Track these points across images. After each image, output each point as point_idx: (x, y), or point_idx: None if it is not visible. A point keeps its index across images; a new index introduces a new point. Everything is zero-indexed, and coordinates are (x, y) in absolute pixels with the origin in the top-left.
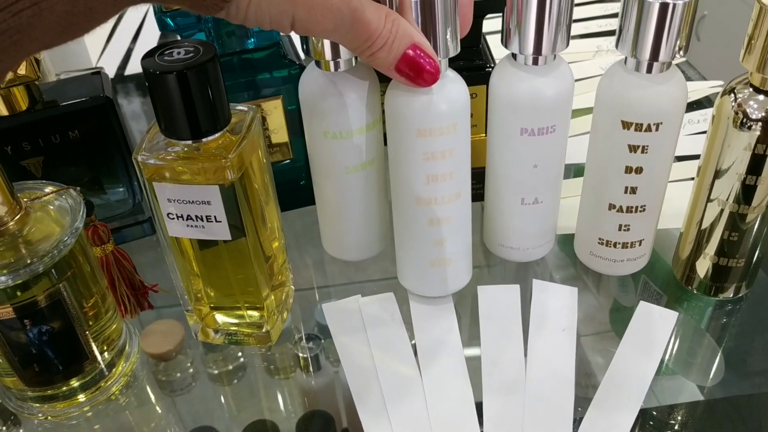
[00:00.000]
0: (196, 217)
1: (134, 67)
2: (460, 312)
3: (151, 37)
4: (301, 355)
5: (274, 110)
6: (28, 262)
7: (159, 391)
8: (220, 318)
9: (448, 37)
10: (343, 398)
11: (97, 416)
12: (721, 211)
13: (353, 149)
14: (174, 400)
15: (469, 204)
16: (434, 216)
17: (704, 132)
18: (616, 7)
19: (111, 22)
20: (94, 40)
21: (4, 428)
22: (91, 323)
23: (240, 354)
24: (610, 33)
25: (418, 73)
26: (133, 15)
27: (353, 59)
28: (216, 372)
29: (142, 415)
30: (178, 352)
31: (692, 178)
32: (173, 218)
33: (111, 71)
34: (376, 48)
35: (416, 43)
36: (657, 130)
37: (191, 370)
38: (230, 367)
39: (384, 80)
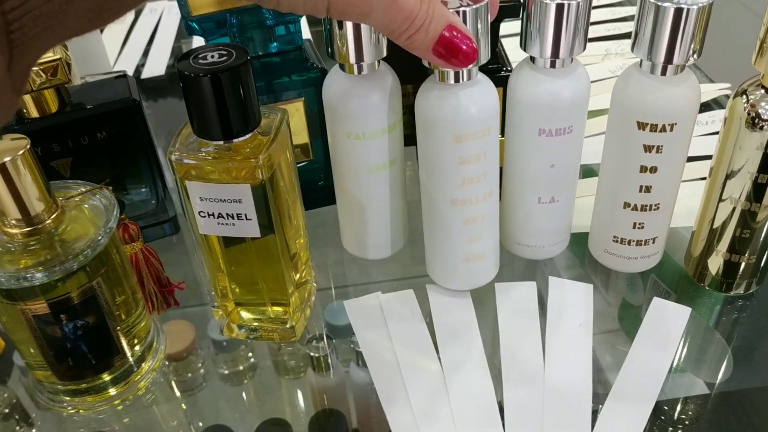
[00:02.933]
0: (227, 215)
1: (150, 70)
2: (477, 306)
3: (166, 41)
4: (312, 354)
5: (296, 112)
6: (63, 260)
7: (170, 393)
8: (245, 314)
9: (481, 45)
10: (354, 397)
11: (118, 412)
12: (733, 209)
13: (375, 150)
14: (186, 400)
15: (498, 200)
16: (469, 216)
17: (713, 133)
18: (623, 12)
19: (128, 22)
20: (109, 44)
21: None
22: (122, 318)
23: (251, 354)
24: (618, 37)
25: (455, 54)
26: (147, 20)
27: (376, 63)
28: (227, 372)
29: (165, 412)
30: (189, 352)
31: (702, 178)
32: (204, 216)
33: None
34: (413, 30)
35: (452, 24)
36: (671, 130)
37: (202, 370)
38: (241, 368)
39: (405, 82)
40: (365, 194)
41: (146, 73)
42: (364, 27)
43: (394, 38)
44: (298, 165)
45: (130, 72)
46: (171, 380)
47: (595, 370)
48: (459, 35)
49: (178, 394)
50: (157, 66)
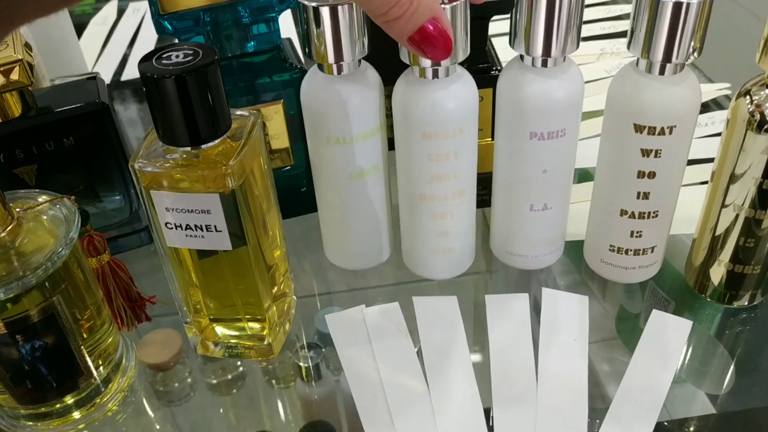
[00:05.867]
0: (196, 226)
1: (131, 72)
2: (467, 320)
3: (147, 42)
4: (302, 364)
5: (275, 115)
6: (21, 274)
7: (157, 403)
8: (220, 330)
9: (459, 42)
10: (345, 408)
11: None
12: (737, 216)
13: (357, 155)
14: (172, 411)
15: (473, 198)
16: (437, 211)
17: (713, 135)
18: (618, 10)
19: (109, 23)
20: (90, 45)
21: None
22: (86, 336)
23: (239, 363)
24: (614, 35)
25: (431, 48)
26: (130, 20)
27: (357, 62)
28: (215, 382)
29: (140, 430)
30: (176, 362)
31: (702, 183)
32: (171, 228)
33: (107, 77)
34: (392, 16)
35: (436, 18)
36: (670, 133)
37: (190, 380)
38: (229, 377)
39: (388, 83)
40: (347, 202)
41: (127, 75)
42: (342, 24)
43: (373, 17)
44: (279, 170)
45: (111, 73)
46: (153, 391)
47: (592, 384)
48: (440, 31)
49: (151, 414)
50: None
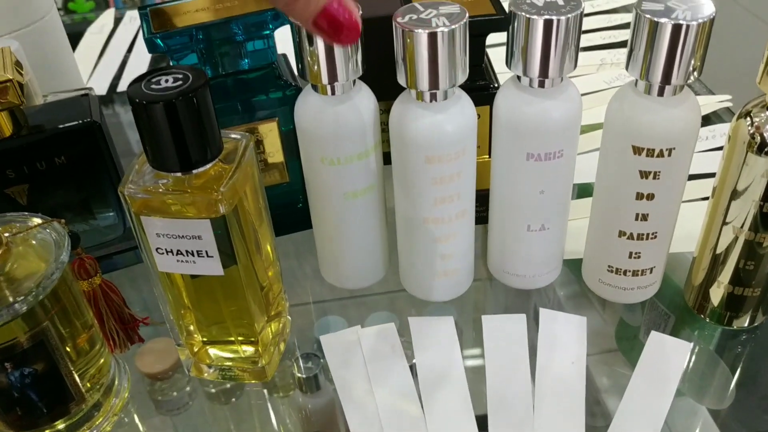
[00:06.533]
0: (187, 252)
1: (128, 82)
2: (463, 340)
3: (145, 51)
4: (299, 375)
5: (270, 133)
6: (11, 301)
7: (154, 415)
8: (213, 352)
9: (458, 65)
10: (343, 418)
11: None
12: (736, 238)
13: (351, 175)
14: (171, 420)
15: (473, 218)
16: (441, 233)
17: (713, 149)
18: (619, 19)
19: (106, 32)
20: (87, 54)
21: None
22: (76, 359)
23: None
24: (614, 45)
25: (337, 30)
26: (127, 29)
27: (352, 82)
28: (213, 390)
29: None
30: (174, 371)
31: (702, 199)
32: (162, 253)
33: (105, 85)
34: None
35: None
36: (670, 155)
37: (188, 388)
38: (228, 386)
39: (382, 99)
40: (341, 222)
41: (124, 86)
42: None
43: (274, 3)
44: (275, 187)
45: (107, 84)
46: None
47: (593, 401)
48: (344, 10)
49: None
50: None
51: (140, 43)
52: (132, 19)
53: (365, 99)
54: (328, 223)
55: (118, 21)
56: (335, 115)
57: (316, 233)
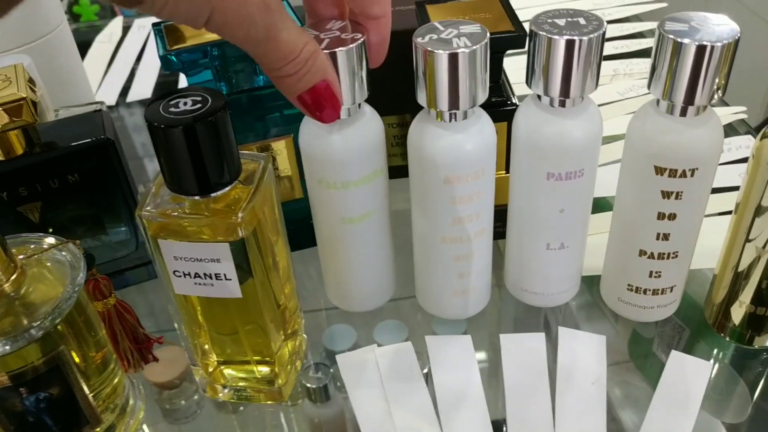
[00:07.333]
0: (205, 275)
1: (138, 89)
2: (481, 359)
3: (154, 59)
4: (309, 386)
5: (284, 150)
6: (26, 325)
7: (159, 427)
8: (229, 373)
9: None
10: (352, 427)
11: None
12: (758, 257)
13: (351, 200)
14: (179, 428)
15: (491, 236)
16: (460, 253)
17: (729, 163)
18: (631, 28)
19: (114, 41)
20: (96, 63)
21: None
22: (90, 380)
23: None
24: (627, 55)
25: (319, 109)
26: (135, 37)
27: (357, 106)
28: (222, 399)
29: None
30: (182, 379)
31: (721, 213)
32: (180, 276)
33: (114, 94)
34: (284, 73)
35: (328, 81)
36: (692, 175)
37: (195, 397)
38: None
39: (387, 113)
40: (342, 245)
41: (133, 95)
42: (341, 67)
43: (265, 71)
44: (289, 203)
45: (116, 93)
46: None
47: (611, 418)
48: (330, 94)
49: None
50: (145, 87)
51: (149, 52)
52: (140, 27)
53: (371, 122)
54: (329, 245)
55: (126, 29)
56: (338, 138)
57: (321, 255)
